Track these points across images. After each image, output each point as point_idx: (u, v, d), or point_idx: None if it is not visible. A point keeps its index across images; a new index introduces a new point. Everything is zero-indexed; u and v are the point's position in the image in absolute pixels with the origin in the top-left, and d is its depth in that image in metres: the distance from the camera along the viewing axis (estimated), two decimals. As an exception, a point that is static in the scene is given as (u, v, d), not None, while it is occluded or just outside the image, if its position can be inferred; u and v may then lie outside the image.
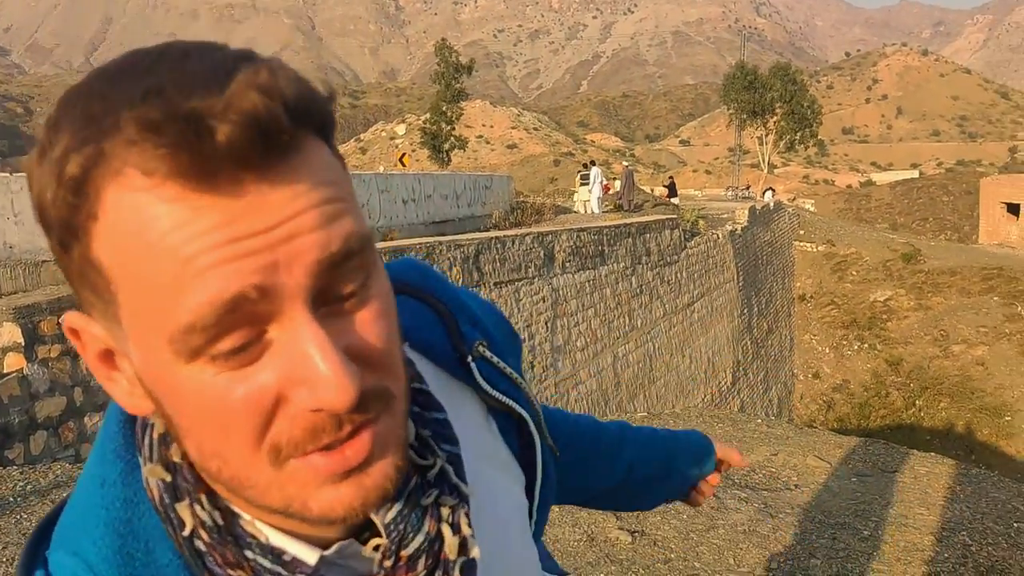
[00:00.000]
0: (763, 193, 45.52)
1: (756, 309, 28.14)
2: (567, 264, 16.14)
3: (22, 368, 6.23)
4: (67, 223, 0.52)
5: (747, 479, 5.53)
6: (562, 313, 15.92)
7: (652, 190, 41.47)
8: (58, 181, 0.51)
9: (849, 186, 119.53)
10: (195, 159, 0.49)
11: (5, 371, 6.17)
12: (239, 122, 0.49)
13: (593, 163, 28.15)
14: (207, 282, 0.50)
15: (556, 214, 25.62)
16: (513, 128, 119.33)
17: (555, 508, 4.36)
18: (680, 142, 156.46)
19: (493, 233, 15.93)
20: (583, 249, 16.76)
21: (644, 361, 18.91)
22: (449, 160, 40.96)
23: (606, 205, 27.48)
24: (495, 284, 13.94)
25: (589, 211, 26.58)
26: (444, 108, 39.98)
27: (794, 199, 70.24)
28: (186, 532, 0.59)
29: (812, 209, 55.22)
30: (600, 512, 4.59)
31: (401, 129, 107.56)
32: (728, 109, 53.10)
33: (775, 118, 51.42)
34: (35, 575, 0.59)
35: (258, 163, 0.51)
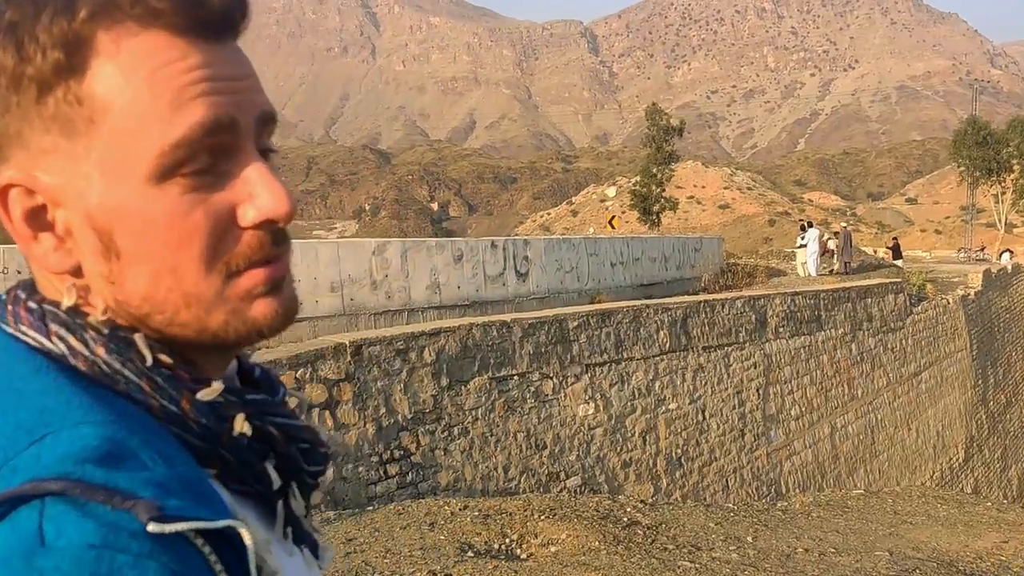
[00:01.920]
0: (1000, 255, 42.26)
1: (992, 380, 25.96)
2: (780, 329, 15.68)
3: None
4: (63, 64, 0.62)
5: (973, 567, 5.16)
6: (775, 380, 15.43)
7: (875, 251, 39.49)
8: (57, 28, 0.62)
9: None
10: (192, 14, 0.64)
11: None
12: None
13: (811, 223, 27.27)
14: (197, 107, 0.64)
15: (769, 276, 24.97)
16: (726, 188, 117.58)
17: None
18: (906, 200, 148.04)
19: (702, 296, 15.78)
20: (798, 314, 16.23)
21: (865, 433, 17.91)
22: (659, 222, 40.95)
23: (824, 268, 26.47)
24: (704, 348, 13.77)
25: (806, 273, 25.71)
26: (654, 170, 40.16)
27: (1037, 261, 64.54)
28: (149, 362, 0.66)
29: (1060, 272, 50.45)
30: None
31: (611, 191, 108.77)
32: (959, 166, 49.93)
33: (1012, 175, 47.76)
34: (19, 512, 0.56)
35: (230, 33, 0.68)
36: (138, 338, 0.66)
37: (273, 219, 0.67)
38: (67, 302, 0.67)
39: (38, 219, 0.66)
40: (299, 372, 8.06)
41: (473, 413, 9.94)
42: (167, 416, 0.65)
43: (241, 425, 0.68)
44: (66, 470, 0.56)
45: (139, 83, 0.63)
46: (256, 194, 0.66)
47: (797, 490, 15.56)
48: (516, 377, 10.60)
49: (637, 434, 12.36)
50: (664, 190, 40.39)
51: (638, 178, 42.87)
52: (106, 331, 0.66)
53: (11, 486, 0.56)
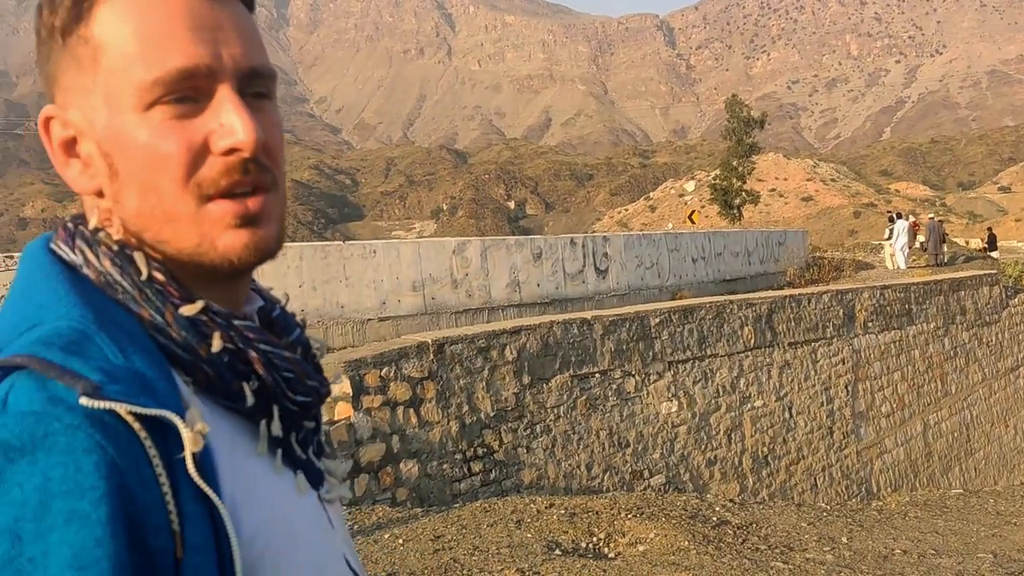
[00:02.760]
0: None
1: (1098, 375, 24.77)
2: (869, 324, 15.25)
3: (349, 416, 6.95)
4: (73, 11, 0.75)
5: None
6: (864, 376, 15.01)
7: (967, 242, 38.12)
8: None
9: None
10: None
11: (336, 418, 6.92)
12: None
13: (899, 215, 26.48)
14: (176, 53, 0.74)
15: (857, 270, 24.32)
16: (808, 180, 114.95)
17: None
18: (999, 189, 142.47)
19: (787, 291, 15.45)
20: (887, 308, 15.76)
21: (960, 431, 17.30)
22: (740, 216, 40.28)
23: (914, 260, 25.67)
24: (789, 344, 13.48)
25: (895, 267, 24.96)
26: (735, 163, 39.51)
27: None
28: (143, 275, 0.77)
29: None
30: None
31: (690, 186, 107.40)
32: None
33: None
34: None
35: None
36: (137, 255, 0.77)
37: (237, 147, 0.75)
38: (92, 223, 0.80)
39: (70, 148, 0.79)
40: (383, 370, 8.15)
41: (555, 411, 9.91)
42: (154, 326, 0.75)
43: (217, 342, 0.76)
44: (34, 350, 0.68)
45: (128, 26, 0.74)
46: (225, 124, 0.75)
47: (889, 489, 15.12)
48: (598, 375, 10.53)
49: (722, 432, 12.16)
50: (745, 183, 39.69)
51: (718, 172, 42.23)
52: (115, 248, 0.78)
53: None
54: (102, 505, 0.64)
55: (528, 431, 9.54)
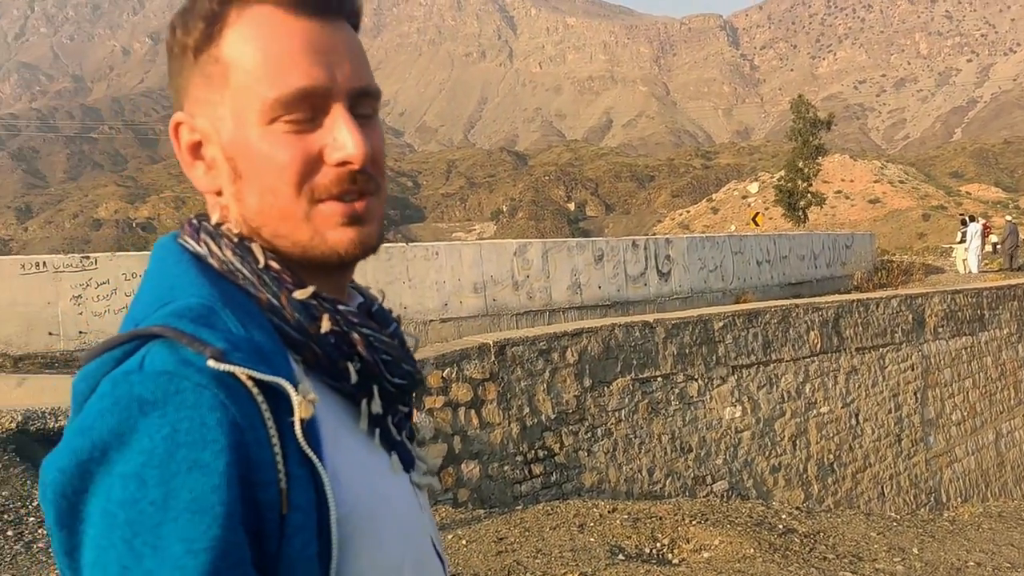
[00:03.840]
0: None
1: None
2: (939, 329, 14.87)
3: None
4: (205, 33, 0.84)
5: None
6: (934, 383, 14.64)
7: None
8: (204, 6, 0.84)
9: None
10: None
11: (398, 419, 6.97)
12: None
13: (972, 218, 25.78)
14: (295, 75, 0.83)
15: (927, 274, 23.76)
16: (876, 182, 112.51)
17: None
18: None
19: (855, 296, 15.15)
20: (959, 313, 15.35)
21: (1035, 440, 16.75)
22: (805, 218, 39.63)
23: (986, 264, 24.95)
24: (857, 350, 13.20)
25: (967, 270, 24.30)
26: (800, 164, 38.87)
27: None
28: (261, 264, 0.86)
29: None
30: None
31: (754, 187, 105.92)
32: None
33: None
34: (137, 352, 0.76)
35: (331, 11, 0.87)
36: (255, 246, 0.87)
37: (348, 160, 0.85)
38: (214, 219, 0.90)
39: (196, 151, 0.89)
40: (445, 371, 8.19)
41: (616, 414, 9.86)
42: (271, 308, 0.84)
43: (326, 323, 0.85)
44: (168, 321, 0.77)
45: (253, 48, 0.84)
46: (338, 139, 0.85)
47: (959, 499, 14.72)
48: (660, 378, 10.45)
49: (787, 438, 11.97)
50: (811, 185, 39.02)
51: (782, 173, 41.60)
52: (235, 239, 0.87)
53: None
54: (221, 457, 0.71)
55: (589, 434, 9.50)
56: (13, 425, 6.65)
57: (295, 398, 0.77)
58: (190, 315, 0.78)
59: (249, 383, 0.75)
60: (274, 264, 0.87)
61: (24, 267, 11.00)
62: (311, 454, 0.77)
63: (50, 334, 10.89)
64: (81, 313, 10.96)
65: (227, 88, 0.85)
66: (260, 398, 0.75)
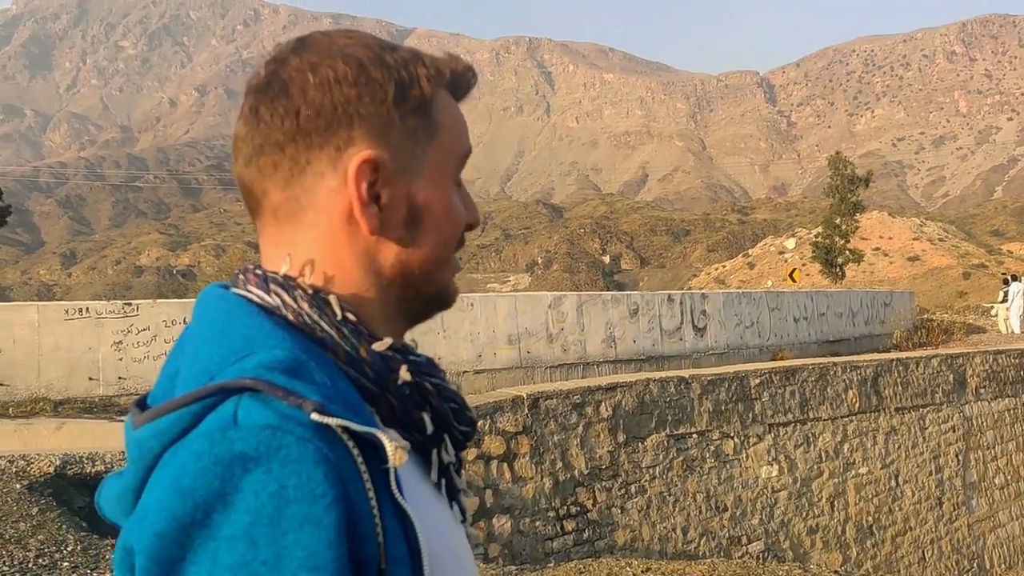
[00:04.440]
0: None
1: None
2: (981, 390, 14.58)
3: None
4: (423, 102, 0.92)
5: None
6: (976, 445, 14.33)
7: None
8: (432, 71, 0.93)
9: None
10: (460, 83, 0.98)
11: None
12: (473, 80, 1.00)
13: (1015, 277, 25.40)
14: (466, 141, 0.98)
15: (968, 334, 23.37)
16: (915, 239, 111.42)
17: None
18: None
19: (894, 354, 14.94)
20: (1001, 374, 15.07)
21: (1083, 506, 16.26)
22: (843, 275, 39.29)
23: (1029, 324, 24.48)
24: (896, 410, 12.98)
25: (1009, 330, 23.89)
26: (838, 221, 38.67)
27: None
28: (339, 316, 0.86)
29: None
30: None
31: (791, 243, 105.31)
32: None
33: None
34: (226, 403, 0.75)
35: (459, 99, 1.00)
36: (331, 298, 0.87)
37: (474, 224, 0.98)
38: (284, 270, 0.89)
39: (370, 191, 0.89)
40: (478, 424, 8.17)
41: (650, 471, 9.75)
42: (349, 361, 0.84)
43: (405, 374, 0.86)
44: (258, 373, 0.75)
45: (452, 119, 0.96)
46: (469, 206, 0.98)
47: (1003, 566, 14.30)
48: (695, 435, 10.33)
49: (824, 499, 11.74)
50: (848, 242, 38.75)
51: (820, 229, 41.37)
52: (310, 291, 0.86)
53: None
54: (332, 511, 0.70)
55: (623, 491, 9.39)
56: (51, 469, 6.72)
57: (389, 446, 0.76)
58: (280, 367, 0.76)
59: (344, 435, 0.75)
60: (350, 316, 0.87)
61: (68, 313, 11.21)
62: (405, 505, 0.77)
63: (90, 379, 11.04)
64: (121, 359, 11.11)
65: (429, 146, 0.93)
66: (356, 450, 0.75)
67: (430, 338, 11.32)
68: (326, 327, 0.85)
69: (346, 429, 0.75)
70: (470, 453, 7.63)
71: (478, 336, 12.36)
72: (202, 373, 0.79)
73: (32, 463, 6.75)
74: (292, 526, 0.69)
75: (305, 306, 0.85)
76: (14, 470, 6.59)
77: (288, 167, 0.88)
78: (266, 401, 0.74)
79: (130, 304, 11.54)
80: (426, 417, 0.88)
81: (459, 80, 0.98)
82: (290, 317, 0.85)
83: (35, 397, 10.75)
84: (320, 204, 0.88)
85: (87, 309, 11.34)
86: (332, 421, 0.73)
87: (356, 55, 0.90)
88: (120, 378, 11.06)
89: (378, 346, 0.86)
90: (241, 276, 0.90)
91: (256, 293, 0.87)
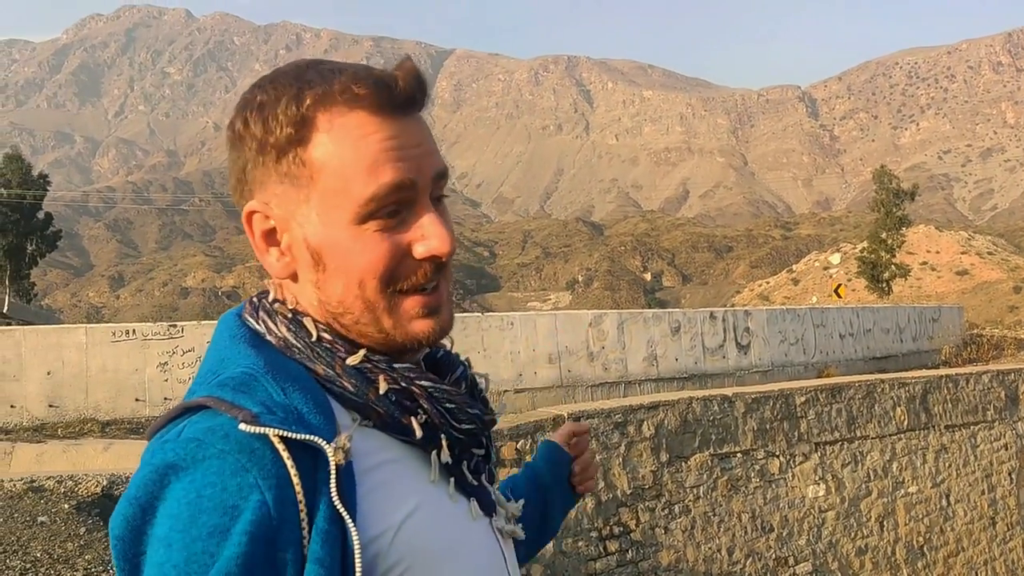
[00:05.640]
0: None
1: None
2: (1036, 407, 14.21)
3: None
4: (294, 137, 0.86)
5: None
6: (1031, 463, 13.94)
7: None
8: (291, 111, 0.86)
9: None
10: (383, 97, 0.87)
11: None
12: (411, 81, 0.89)
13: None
14: (387, 171, 0.86)
15: (1019, 349, 22.85)
16: (963, 253, 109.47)
17: None
18: None
19: (943, 371, 14.65)
20: (1056, 390, 14.66)
21: None
22: (890, 290, 38.73)
23: (1084, 339, 23.87)
24: (946, 427, 12.70)
25: (1062, 346, 23.32)
26: (884, 235, 38.17)
27: None
28: (313, 337, 0.90)
29: None
30: None
31: (836, 258, 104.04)
32: None
33: None
34: (181, 420, 0.81)
35: (410, 108, 0.90)
36: (307, 320, 0.91)
37: (437, 255, 0.89)
38: (271, 297, 0.95)
39: (270, 237, 0.91)
40: (519, 443, 8.14)
41: (694, 491, 9.62)
42: (328, 378, 0.88)
43: (383, 384, 0.89)
44: (211, 391, 0.82)
45: (345, 151, 0.86)
46: (427, 235, 0.89)
47: (1062, 588, 13.87)
48: (739, 454, 10.19)
49: (873, 519, 11.50)
50: (895, 256, 38.21)
51: (865, 244, 40.87)
52: (289, 315, 0.91)
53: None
54: (238, 523, 0.74)
55: (666, 511, 9.28)
56: (98, 489, 6.81)
57: (327, 449, 0.79)
58: (232, 384, 0.82)
59: (280, 444, 0.77)
60: (326, 336, 0.90)
61: (115, 334, 11.40)
62: (340, 507, 0.79)
63: (137, 400, 11.21)
64: (167, 380, 11.26)
65: (313, 188, 0.88)
66: (287, 458, 0.77)
67: (471, 357, 11.28)
68: (302, 348, 0.89)
69: (283, 438, 0.77)
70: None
71: (518, 355, 12.34)
72: (190, 394, 0.86)
73: (80, 483, 6.85)
74: (202, 534, 0.73)
75: (283, 330, 0.90)
76: (62, 490, 6.69)
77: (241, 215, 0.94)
78: (212, 415, 0.79)
79: (175, 326, 11.71)
80: (414, 422, 0.89)
81: (363, 97, 0.88)
82: (273, 341, 0.90)
83: (83, 418, 10.93)
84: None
85: (134, 331, 11.52)
86: (259, 429, 0.77)
87: (250, 103, 0.90)
88: (165, 399, 11.21)
89: (351, 360, 0.89)
90: (246, 304, 0.97)
91: (248, 320, 0.94)
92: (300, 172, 0.88)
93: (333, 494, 0.79)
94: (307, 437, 0.79)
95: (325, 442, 0.79)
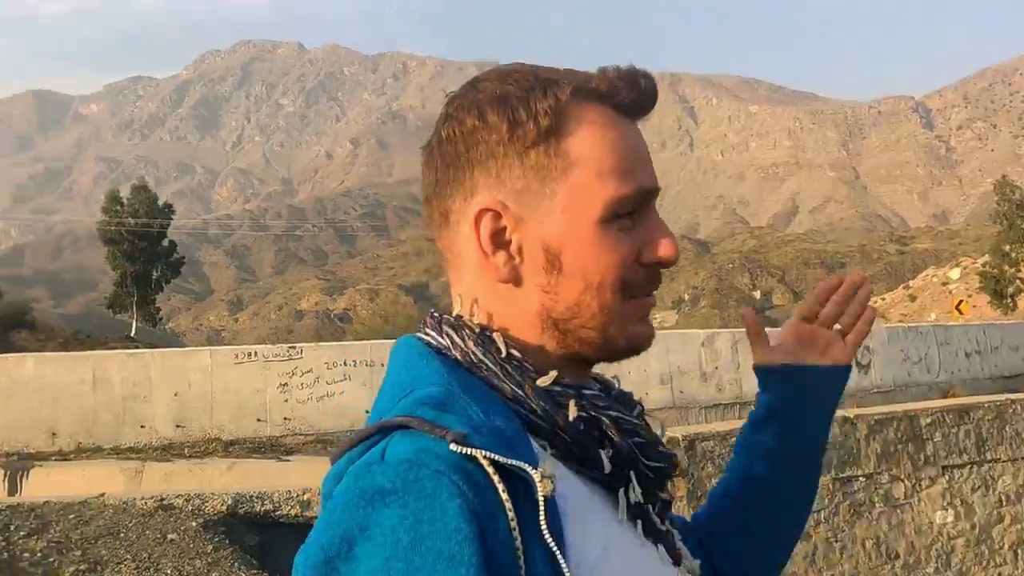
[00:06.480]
0: None
1: None
2: None
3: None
4: (552, 128, 0.85)
5: None
6: None
7: None
8: (549, 101, 0.85)
9: None
10: (632, 97, 0.89)
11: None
12: (650, 85, 0.90)
13: None
14: (640, 174, 0.88)
15: None
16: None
17: None
18: None
19: (1083, 391, 13.82)
20: None
21: None
22: (1014, 305, 36.91)
23: None
24: (1088, 451, 11.97)
25: None
26: (1007, 248, 36.47)
27: None
28: (503, 354, 0.85)
29: None
30: None
31: (955, 273, 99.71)
32: None
33: None
34: (383, 442, 0.76)
35: (644, 115, 0.92)
36: (496, 336, 0.87)
37: (666, 262, 0.89)
38: (457, 310, 0.91)
39: (497, 239, 0.87)
40: (677, 460, 8.06)
41: (815, 516, 9.34)
42: (516, 399, 0.84)
43: (572, 410, 0.84)
44: (410, 410, 0.77)
45: (602, 147, 0.86)
46: (657, 242, 0.88)
47: None
48: (862, 478, 9.85)
49: (1007, 547, 10.92)
50: (1020, 270, 36.42)
51: (987, 258, 39.12)
52: (477, 330, 0.87)
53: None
54: (466, 547, 0.69)
55: (785, 535, 9.04)
56: (223, 508, 7.04)
57: (535, 475, 0.74)
58: (431, 402, 0.78)
59: (488, 467, 0.73)
60: (515, 353, 0.86)
61: (237, 357, 11.84)
62: (552, 544, 0.73)
63: (258, 420, 11.59)
64: (287, 400, 11.62)
65: (563, 182, 0.86)
66: (500, 483, 0.72)
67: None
68: (490, 364, 0.85)
69: (493, 462, 0.73)
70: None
71: (628, 376, 12.22)
72: (375, 414, 0.83)
73: (207, 501, 7.09)
74: (427, 561, 0.68)
75: (471, 345, 0.87)
76: (190, 508, 6.93)
77: (437, 218, 0.92)
78: (414, 436, 0.74)
79: (294, 347, 12.09)
80: (603, 454, 0.84)
81: (614, 93, 0.88)
82: (458, 356, 0.87)
83: (208, 437, 11.37)
84: (463, 251, 0.90)
85: (255, 353, 11.94)
86: (471, 451, 0.72)
87: (481, 99, 0.88)
88: (285, 419, 11.56)
89: (541, 382, 0.85)
90: (423, 322, 0.94)
91: (431, 335, 0.90)
92: (552, 164, 0.86)
93: (544, 529, 0.73)
94: (517, 463, 0.74)
95: (533, 468, 0.74)
